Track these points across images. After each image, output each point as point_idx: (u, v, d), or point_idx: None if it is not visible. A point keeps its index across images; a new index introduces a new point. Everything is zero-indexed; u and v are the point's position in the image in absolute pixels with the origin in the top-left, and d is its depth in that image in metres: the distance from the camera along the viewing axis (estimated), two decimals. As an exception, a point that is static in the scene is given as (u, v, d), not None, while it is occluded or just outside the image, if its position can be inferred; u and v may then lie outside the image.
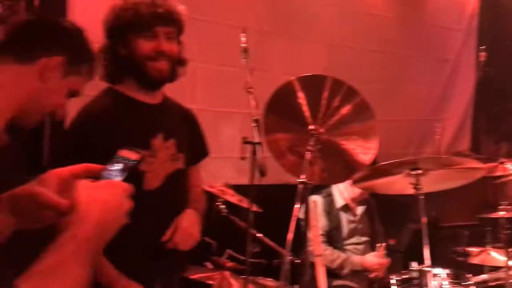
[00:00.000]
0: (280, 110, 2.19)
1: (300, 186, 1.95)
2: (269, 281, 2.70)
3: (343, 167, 2.18)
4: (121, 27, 1.80)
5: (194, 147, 1.99)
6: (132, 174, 1.71)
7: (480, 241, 3.26)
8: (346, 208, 3.11)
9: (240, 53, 2.27)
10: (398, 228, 3.60)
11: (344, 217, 3.08)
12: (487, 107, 4.71)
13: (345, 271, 2.89)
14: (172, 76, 1.87)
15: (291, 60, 3.56)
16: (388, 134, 4.13)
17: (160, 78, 1.84)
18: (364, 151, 2.13)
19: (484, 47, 2.79)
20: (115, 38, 1.82)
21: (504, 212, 2.85)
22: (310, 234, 1.94)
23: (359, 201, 3.11)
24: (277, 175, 2.51)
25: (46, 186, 0.97)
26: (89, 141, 1.71)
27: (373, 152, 2.11)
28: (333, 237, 3.00)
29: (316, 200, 2.94)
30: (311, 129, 2.10)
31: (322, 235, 2.86)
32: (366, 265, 2.88)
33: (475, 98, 4.64)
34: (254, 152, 1.81)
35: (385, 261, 2.86)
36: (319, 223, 2.74)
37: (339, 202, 3.09)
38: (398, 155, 3.61)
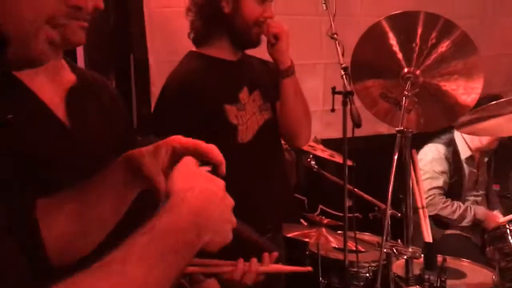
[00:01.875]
0: (370, 54, 2.03)
1: (399, 136, 1.80)
2: (366, 235, 2.61)
3: (444, 111, 1.99)
4: None
5: (276, 93, 1.95)
6: (226, 129, 1.71)
7: None
8: (471, 159, 2.91)
9: (319, 3, 2.13)
10: (505, 173, 3.32)
11: (467, 168, 2.89)
12: None
13: (465, 222, 2.73)
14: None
15: (374, 1, 3.31)
16: (485, 72, 3.81)
17: (258, 43, 1.86)
18: (467, 91, 1.92)
19: None
20: None
21: None
22: (414, 186, 1.80)
23: (485, 151, 2.88)
24: (369, 125, 2.38)
25: (159, 155, 0.87)
26: (184, 104, 1.73)
27: (478, 92, 1.90)
28: (453, 188, 2.83)
29: (438, 148, 2.76)
30: (406, 72, 1.93)
31: (441, 187, 2.71)
32: (489, 217, 2.71)
33: None
34: (345, 103, 1.69)
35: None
36: (429, 173, 2.60)
37: (465, 152, 2.88)
38: (498, 95, 3.33)
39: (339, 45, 1.94)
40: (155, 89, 2.75)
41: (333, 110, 1.85)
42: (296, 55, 3.10)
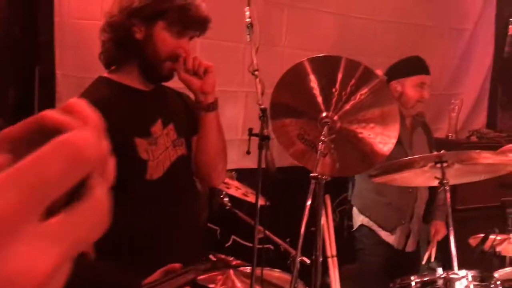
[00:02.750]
0: (290, 94, 1.99)
1: (313, 182, 1.75)
2: (276, 272, 2.54)
3: (360, 158, 1.97)
4: (158, 12, 1.62)
5: (192, 128, 1.85)
6: (134, 164, 1.57)
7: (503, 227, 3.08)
8: None
9: (245, 29, 2.07)
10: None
11: None
12: (504, 80, 4.45)
13: None
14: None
15: (299, 33, 3.30)
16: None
17: (169, 78, 1.75)
18: (383, 140, 1.92)
19: (511, 19, 2.54)
20: (139, 19, 1.63)
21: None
22: (325, 234, 1.75)
23: None
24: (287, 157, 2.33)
25: None
26: None
27: (393, 141, 1.90)
28: None
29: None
30: (324, 117, 1.90)
31: None
32: None
33: (492, 70, 4.38)
34: (261, 146, 1.61)
35: None
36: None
37: None
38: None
39: (259, 83, 1.87)
40: (61, 105, 2.53)
41: (248, 152, 1.77)
42: (218, 82, 3.06)
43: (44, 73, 2.51)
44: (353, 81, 1.84)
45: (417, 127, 2.87)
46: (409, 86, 2.70)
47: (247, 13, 2.19)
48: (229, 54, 3.00)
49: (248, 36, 2.15)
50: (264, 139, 1.59)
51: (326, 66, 1.88)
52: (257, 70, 1.93)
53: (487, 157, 2.19)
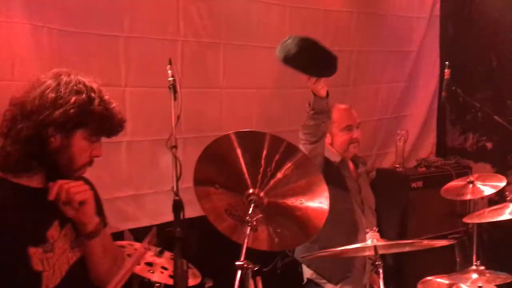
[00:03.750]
0: (216, 166, 1.85)
1: (240, 272, 1.62)
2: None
3: (298, 228, 1.86)
4: (79, 122, 1.51)
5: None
6: (27, 277, 1.40)
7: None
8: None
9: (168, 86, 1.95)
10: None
11: None
12: (452, 98, 4.43)
13: None
14: None
15: (238, 71, 3.15)
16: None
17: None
18: (315, 202, 1.80)
19: (447, 63, 2.48)
20: (56, 129, 1.49)
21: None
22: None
23: None
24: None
25: None
26: None
27: (326, 196, 1.77)
28: None
29: None
30: (250, 194, 1.78)
31: None
32: None
33: (439, 89, 4.35)
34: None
35: None
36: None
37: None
38: (363, 157, 3.36)
39: (177, 161, 1.72)
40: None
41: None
42: (149, 129, 2.89)
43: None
44: (277, 157, 1.73)
45: (362, 170, 2.78)
46: (336, 132, 2.62)
47: (169, 71, 2.06)
48: (159, 100, 2.83)
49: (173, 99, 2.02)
50: (176, 241, 1.43)
51: (251, 141, 1.77)
52: (175, 146, 1.78)
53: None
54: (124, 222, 2.80)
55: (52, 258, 1.53)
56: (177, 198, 1.57)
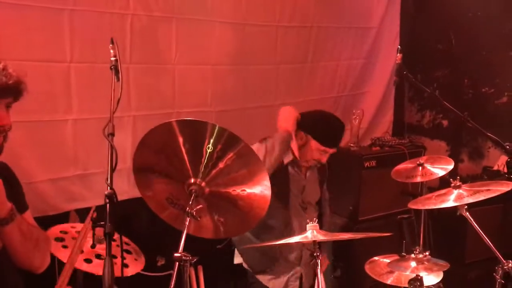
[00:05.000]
0: (156, 154, 1.79)
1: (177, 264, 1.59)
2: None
3: (242, 215, 1.83)
4: None
5: (17, 203, 1.65)
6: None
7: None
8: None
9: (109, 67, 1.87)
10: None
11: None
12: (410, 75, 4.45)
13: None
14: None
15: (192, 47, 3.05)
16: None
17: None
18: (256, 189, 1.78)
19: (399, 47, 2.45)
20: None
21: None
22: None
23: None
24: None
25: None
26: None
27: (267, 185, 1.75)
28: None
29: None
30: (191, 183, 1.74)
31: None
32: None
33: (398, 66, 4.34)
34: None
35: None
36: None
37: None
38: None
39: (113, 149, 1.66)
40: None
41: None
42: (97, 108, 2.79)
43: None
44: (219, 147, 1.68)
45: (313, 169, 2.72)
46: (313, 147, 2.51)
47: (111, 51, 1.98)
48: (108, 76, 2.72)
49: (115, 76, 1.95)
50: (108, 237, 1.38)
51: (194, 130, 1.71)
52: (112, 134, 1.72)
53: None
54: (71, 202, 2.73)
55: None
56: (110, 191, 1.50)
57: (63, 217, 2.69)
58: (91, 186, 2.79)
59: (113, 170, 1.61)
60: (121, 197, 2.81)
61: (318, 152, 2.51)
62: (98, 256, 2.11)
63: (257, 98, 3.47)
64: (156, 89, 2.96)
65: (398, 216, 3.04)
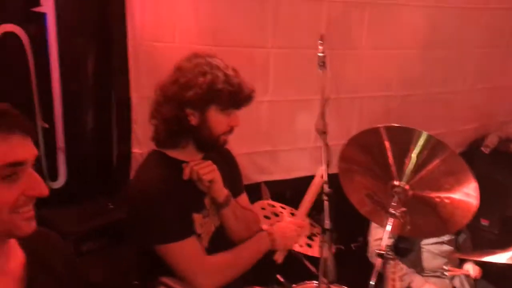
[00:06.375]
0: (363, 152, 1.90)
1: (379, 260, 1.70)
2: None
3: (437, 223, 1.87)
4: (211, 99, 1.66)
5: (234, 186, 1.92)
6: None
7: None
8: None
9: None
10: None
11: None
12: None
13: None
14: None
15: (381, 32, 3.06)
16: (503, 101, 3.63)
17: (223, 145, 1.82)
18: (463, 197, 1.79)
19: None
20: (192, 107, 1.67)
21: None
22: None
23: None
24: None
25: None
26: (169, 212, 1.63)
27: (472, 212, 1.76)
28: None
29: None
30: (395, 185, 1.82)
31: None
32: None
33: None
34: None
35: None
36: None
37: None
38: None
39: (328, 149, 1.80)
40: (137, 127, 2.61)
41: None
42: (290, 91, 2.96)
43: (120, 96, 2.56)
44: (425, 153, 1.73)
45: None
46: None
47: (320, 47, 2.09)
48: (302, 61, 2.87)
49: (320, 70, 2.08)
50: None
51: (400, 136, 1.77)
52: (325, 132, 1.85)
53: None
54: (260, 175, 3.00)
55: (208, 223, 1.76)
56: (328, 190, 1.65)
57: (255, 188, 2.95)
58: (278, 161, 3.02)
59: (328, 167, 1.74)
60: (300, 173, 3.06)
61: None
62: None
63: (441, 83, 3.38)
64: (342, 74, 3.04)
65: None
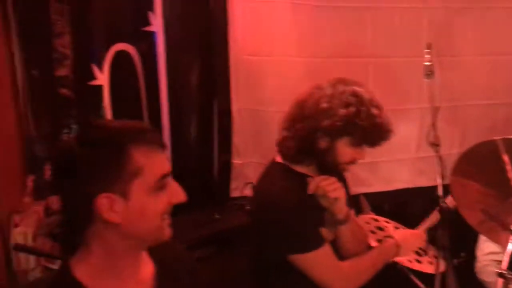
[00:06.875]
0: (479, 164, 1.82)
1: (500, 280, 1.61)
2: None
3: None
4: (345, 132, 1.64)
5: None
6: None
7: None
8: None
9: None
10: None
11: None
12: None
13: None
14: None
15: (485, 37, 2.91)
16: None
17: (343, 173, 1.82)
18: None
19: None
20: (325, 134, 1.65)
21: None
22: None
23: None
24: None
25: None
26: (300, 223, 1.66)
27: None
28: None
29: None
30: (517, 204, 1.72)
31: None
32: None
33: None
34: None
35: None
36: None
37: None
38: None
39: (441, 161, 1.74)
40: (237, 139, 2.68)
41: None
42: (390, 99, 2.88)
43: (221, 107, 2.64)
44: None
45: None
46: None
47: (427, 56, 2.04)
48: (404, 70, 2.80)
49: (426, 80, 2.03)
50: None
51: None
52: (438, 145, 1.79)
53: None
54: (358, 186, 2.94)
55: (329, 234, 1.76)
56: (444, 205, 1.59)
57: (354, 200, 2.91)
58: (377, 172, 2.96)
59: (442, 180, 1.68)
60: (400, 185, 2.97)
61: None
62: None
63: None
64: (448, 82, 2.92)
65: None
